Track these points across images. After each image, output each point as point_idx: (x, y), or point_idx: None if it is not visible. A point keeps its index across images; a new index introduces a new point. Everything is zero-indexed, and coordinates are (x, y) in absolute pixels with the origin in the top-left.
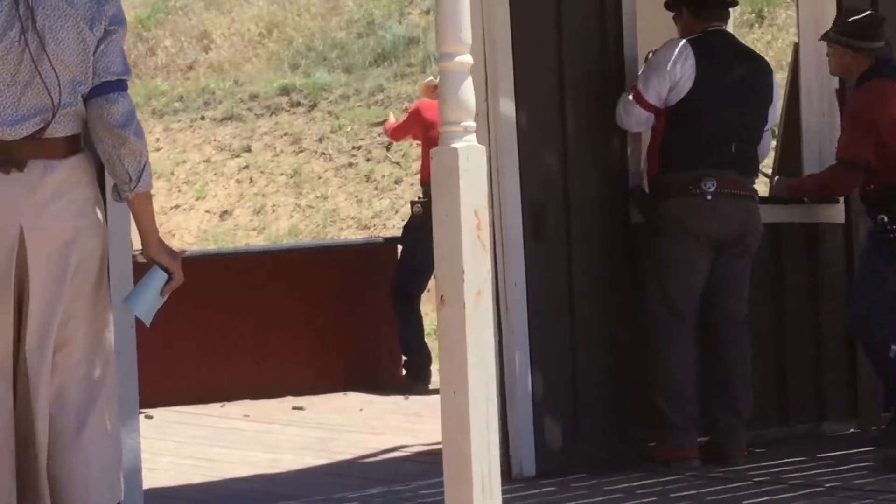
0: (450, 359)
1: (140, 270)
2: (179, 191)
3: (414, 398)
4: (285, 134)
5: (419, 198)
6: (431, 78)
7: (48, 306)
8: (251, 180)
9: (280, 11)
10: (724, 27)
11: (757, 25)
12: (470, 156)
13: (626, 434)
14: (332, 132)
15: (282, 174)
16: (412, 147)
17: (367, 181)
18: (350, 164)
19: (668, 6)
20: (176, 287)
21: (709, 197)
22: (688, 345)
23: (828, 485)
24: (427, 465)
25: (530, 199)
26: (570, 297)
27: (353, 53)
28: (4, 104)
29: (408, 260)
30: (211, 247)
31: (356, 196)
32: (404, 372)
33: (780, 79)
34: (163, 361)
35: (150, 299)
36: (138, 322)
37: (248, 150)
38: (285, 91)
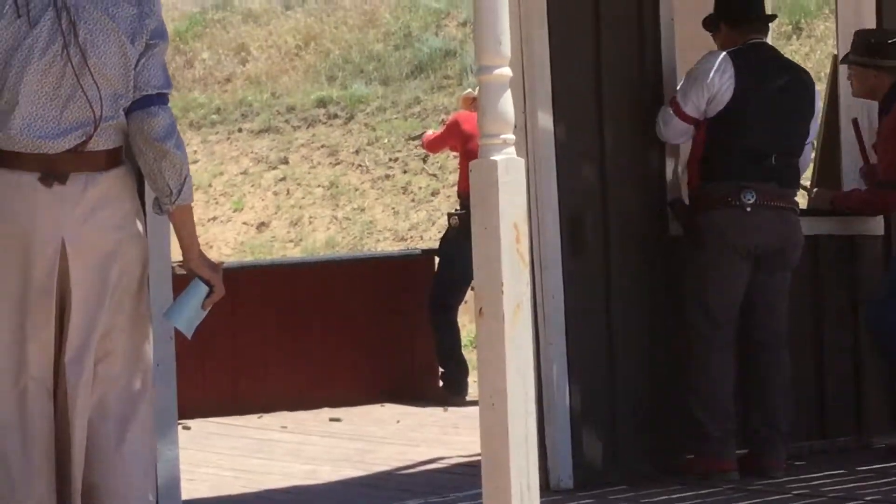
0: (488, 371)
1: (180, 282)
2: (217, 202)
3: (451, 409)
4: (322, 146)
5: (456, 209)
6: (470, 90)
7: (89, 318)
8: (288, 192)
9: (317, 24)
10: (764, 39)
11: (795, 37)
12: (509, 168)
13: (664, 446)
14: (368, 144)
15: (319, 186)
16: (449, 159)
17: (403, 193)
18: (387, 176)
19: (706, 26)
20: (217, 300)
21: (748, 209)
22: (727, 357)
23: (868, 497)
24: (465, 476)
25: (568, 212)
26: (608, 309)
27: (389, 66)
28: (47, 118)
29: (445, 272)
30: (248, 259)
31: (393, 208)
32: (441, 383)
33: (819, 90)
34: (200, 373)
35: (192, 312)
36: (177, 333)
37: (286, 161)
38: (322, 103)
